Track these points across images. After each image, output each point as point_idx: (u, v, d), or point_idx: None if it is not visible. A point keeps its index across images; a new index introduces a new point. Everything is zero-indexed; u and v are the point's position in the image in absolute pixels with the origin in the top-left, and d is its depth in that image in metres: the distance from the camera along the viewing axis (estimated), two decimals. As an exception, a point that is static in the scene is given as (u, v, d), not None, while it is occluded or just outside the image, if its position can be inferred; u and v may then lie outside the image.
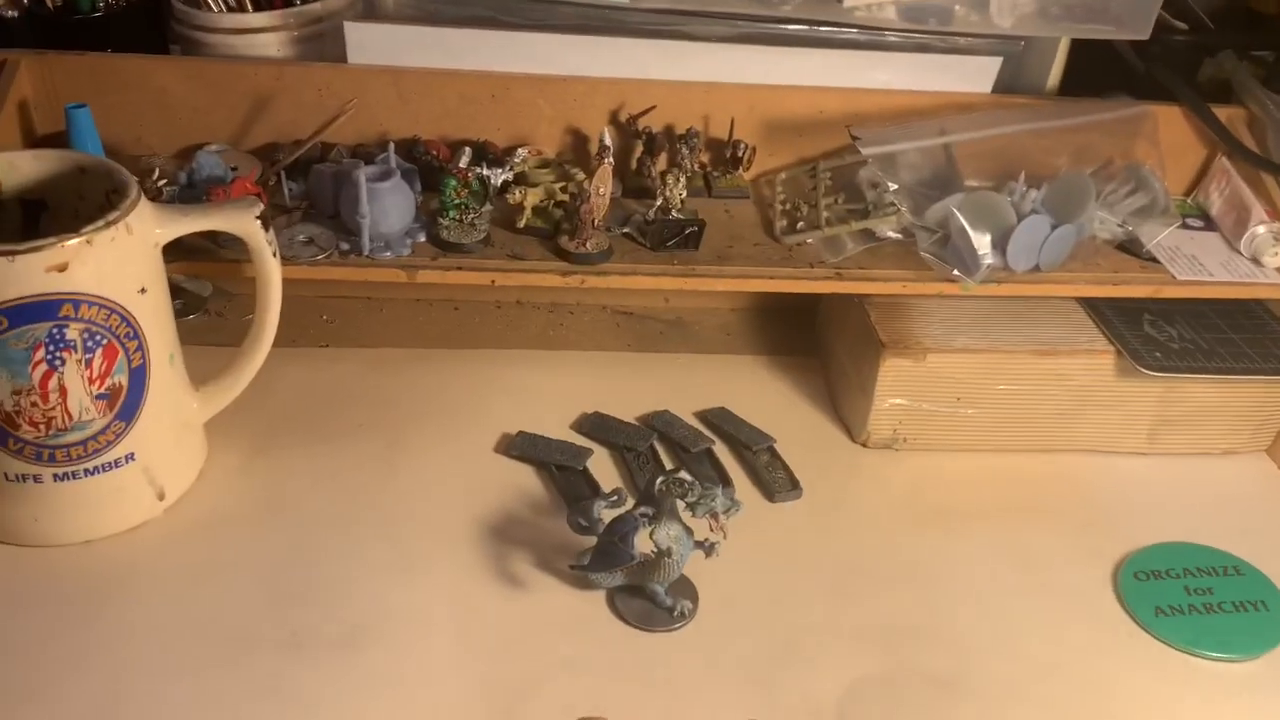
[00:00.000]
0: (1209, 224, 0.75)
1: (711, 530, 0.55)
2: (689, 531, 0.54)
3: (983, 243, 0.64)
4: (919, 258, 0.67)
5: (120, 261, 0.53)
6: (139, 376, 0.55)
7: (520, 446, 0.65)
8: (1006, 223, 0.65)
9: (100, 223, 0.51)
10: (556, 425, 0.68)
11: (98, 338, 0.53)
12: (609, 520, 0.55)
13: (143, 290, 0.54)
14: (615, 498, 0.57)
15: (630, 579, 0.55)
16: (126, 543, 0.58)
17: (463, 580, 0.57)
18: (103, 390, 0.54)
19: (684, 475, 0.55)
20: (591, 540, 0.56)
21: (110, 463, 0.56)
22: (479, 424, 0.67)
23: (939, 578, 0.59)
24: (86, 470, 0.55)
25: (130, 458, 0.57)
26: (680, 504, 0.55)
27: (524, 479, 0.64)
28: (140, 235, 0.54)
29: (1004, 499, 0.65)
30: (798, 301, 0.78)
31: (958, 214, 0.64)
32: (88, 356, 0.53)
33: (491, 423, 0.67)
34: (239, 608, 0.54)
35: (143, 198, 0.55)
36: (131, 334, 0.54)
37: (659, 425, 0.68)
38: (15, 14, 0.72)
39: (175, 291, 0.74)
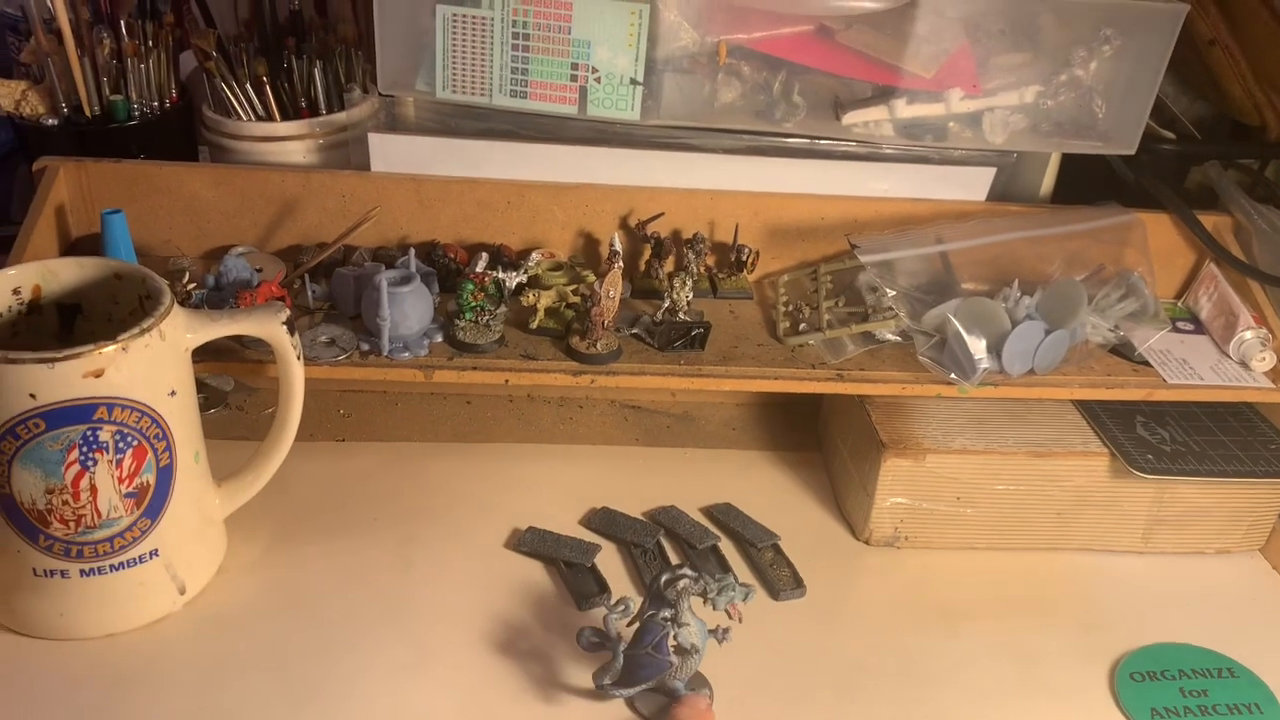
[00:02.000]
0: (1199, 327, 0.77)
1: (729, 618, 0.56)
2: (703, 624, 0.56)
3: (978, 347, 0.67)
4: (918, 360, 0.69)
5: (153, 366, 0.55)
6: (166, 475, 0.58)
7: (530, 543, 0.67)
8: (1001, 328, 0.68)
9: (136, 330, 0.54)
10: (566, 520, 0.69)
11: (129, 439, 0.55)
12: (623, 631, 0.56)
13: (173, 393, 0.57)
14: (622, 608, 0.56)
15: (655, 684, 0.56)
16: (148, 637, 0.59)
17: (475, 680, 0.58)
18: (131, 489, 0.56)
19: (687, 571, 0.56)
20: (605, 653, 0.56)
21: (135, 559, 0.58)
22: (490, 519, 0.69)
23: (940, 676, 0.61)
24: (112, 566, 0.57)
25: (154, 554, 0.59)
26: (695, 599, 0.57)
27: (534, 575, 0.65)
28: (172, 341, 0.56)
29: (1003, 597, 0.67)
30: (801, 398, 0.80)
31: (954, 320, 0.67)
32: (119, 457, 0.55)
33: (503, 517, 0.69)
34: (256, 702, 0.56)
35: (177, 306, 0.57)
36: (160, 435, 0.56)
37: (665, 521, 0.69)
38: (55, 122, 0.76)
39: (198, 386, 0.77)
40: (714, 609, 0.56)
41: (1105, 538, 0.70)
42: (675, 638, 0.54)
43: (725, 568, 0.66)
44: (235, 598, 0.62)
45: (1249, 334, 0.73)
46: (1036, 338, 0.68)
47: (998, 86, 0.71)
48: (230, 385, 0.78)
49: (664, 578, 0.56)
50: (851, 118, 0.70)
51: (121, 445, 0.55)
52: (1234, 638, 0.64)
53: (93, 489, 0.55)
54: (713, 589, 0.56)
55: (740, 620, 0.56)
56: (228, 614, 0.61)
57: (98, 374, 0.53)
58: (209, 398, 0.78)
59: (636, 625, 0.56)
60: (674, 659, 0.54)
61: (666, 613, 0.55)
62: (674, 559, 0.67)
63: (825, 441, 0.78)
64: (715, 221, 0.76)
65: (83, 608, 0.58)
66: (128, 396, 0.54)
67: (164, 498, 0.58)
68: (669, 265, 0.76)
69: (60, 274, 0.60)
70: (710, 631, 0.56)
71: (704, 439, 0.80)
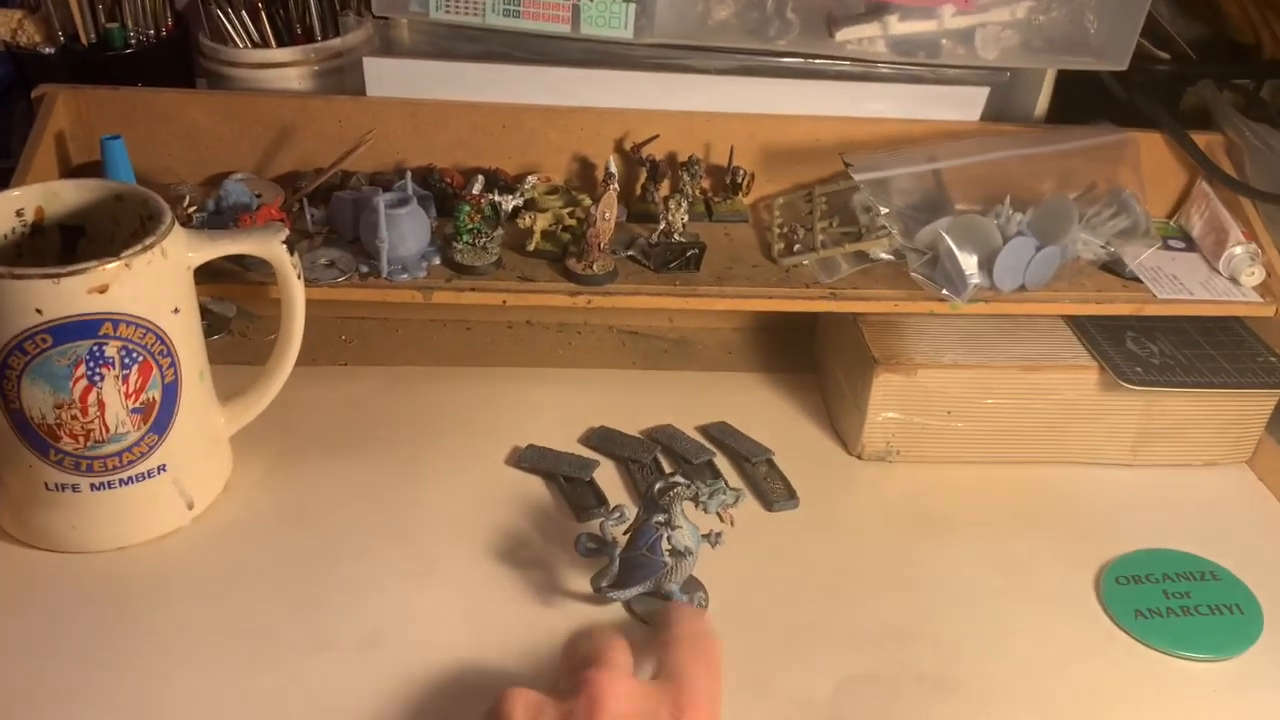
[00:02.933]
0: (1190, 245, 0.78)
1: (721, 520, 0.58)
2: (695, 529, 0.57)
3: (969, 263, 0.68)
4: (910, 278, 0.70)
5: (156, 283, 0.56)
6: (171, 392, 0.59)
7: (530, 459, 0.68)
8: (993, 245, 0.69)
9: (138, 247, 0.55)
10: (565, 439, 0.71)
11: (134, 355, 0.56)
12: (621, 536, 0.58)
13: (176, 310, 0.58)
14: (618, 514, 0.59)
15: (651, 585, 0.58)
16: (157, 549, 0.61)
17: (479, 584, 0.60)
18: (138, 405, 0.57)
19: (679, 479, 0.58)
20: (602, 559, 0.58)
21: (143, 473, 0.59)
22: (491, 438, 0.70)
23: (929, 582, 0.62)
24: (121, 480, 0.59)
25: (162, 469, 0.60)
26: (688, 504, 0.58)
27: (534, 489, 0.67)
28: (174, 259, 0.57)
29: (992, 508, 0.68)
30: (796, 321, 0.81)
31: (945, 236, 0.68)
32: (125, 372, 0.56)
33: (503, 437, 0.70)
34: (264, 611, 0.57)
35: (177, 225, 0.58)
36: (165, 351, 0.58)
37: (662, 438, 0.71)
38: (51, 50, 0.76)
39: (202, 313, 0.78)
40: (706, 513, 0.58)
41: (1094, 450, 0.72)
42: (669, 540, 0.56)
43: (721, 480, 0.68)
44: (242, 513, 0.64)
45: (1239, 249, 0.73)
46: (1027, 254, 0.69)
47: (990, 2, 0.71)
48: (233, 312, 0.79)
49: (658, 485, 0.57)
50: (845, 34, 0.70)
51: (127, 361, 0.56)
52: (1218, 544, 0.66)
53: (100, 404, 0.56)
54: (704, 493, 0.57)
55: (732, 524, 0.58)
56: (235, 528, 0.63)
57: (102, 289, 0.54)
58: (212, 324, 0.79)
59: (631, 531, 0.58)
60: (668, 560, 0.56)
61: (660, 517, 0.56)
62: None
63: (820, 362, 0.79)
64: (710, 144, 0.77)
65: (94, 521, 0.60)
66: (132, 312, 0.55)
67: (170, 414, 0.59)
68: (664, 189, 0.77)
69: (62, 195, 0.61)
70: (704, 536, 0.58)
71: (701, 363, 0.81)
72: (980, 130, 0.78)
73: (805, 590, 0.61)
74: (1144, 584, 0.62)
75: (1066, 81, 0.80)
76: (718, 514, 0.58)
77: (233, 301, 0.79)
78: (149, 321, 0.56)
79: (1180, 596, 0.61)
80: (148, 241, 0.55)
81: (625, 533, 0.58)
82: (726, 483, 0.59)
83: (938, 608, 0.61)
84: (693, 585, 0.59)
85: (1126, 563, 0.63)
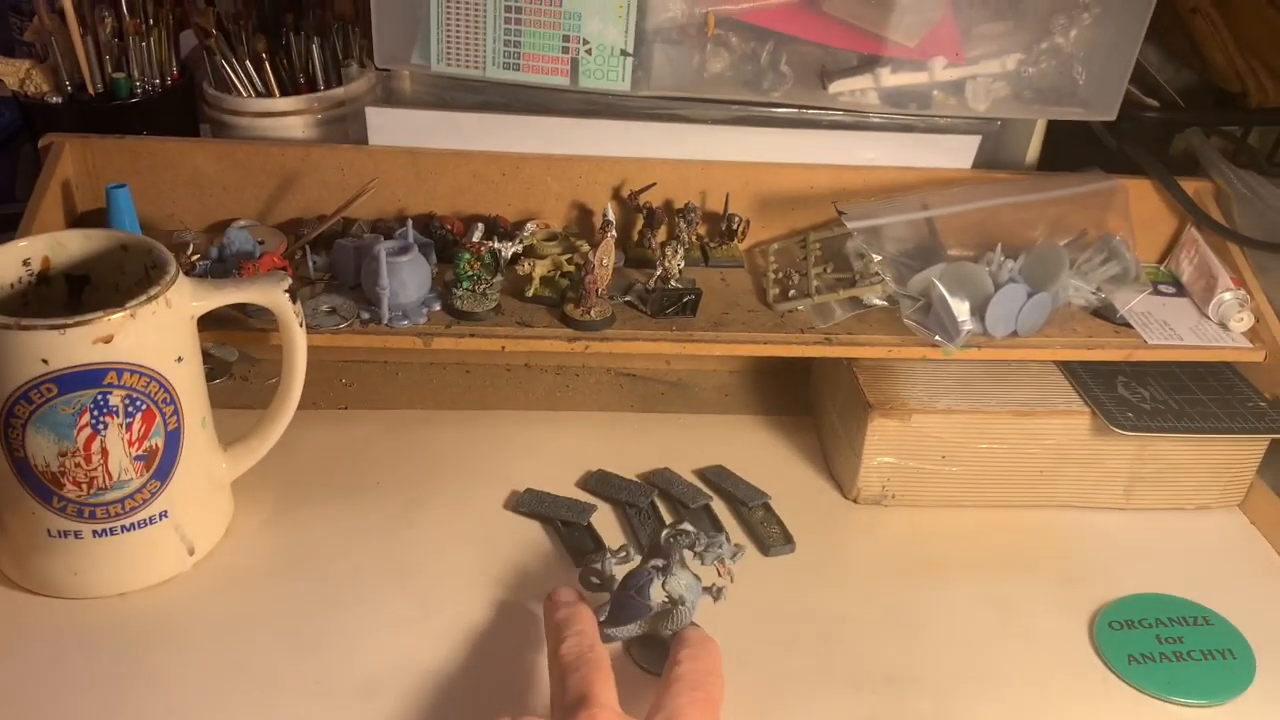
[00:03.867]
0: (1180, 290, 0.79)
1: (719, 575, 0.59)
2: (697, 579, 0.58)
3: (962, 310, 0.69)
4: (904, 324, 0.71)
5: (160, 332, 0.57)
6: (174, 439, 0.60)
7: (528, 503, 0.69)
8: (985, 291, 0.70)
9: (143, 297, 0.56)
10: (563, 483, 0.71)
11: (138, 403, 0.57)
12: (621, 576, 0.59)
13: (179, 359, 0.59)
14: (624, 554, 0.60)
15: (646, 629, 0.58)
16: (158, 596, 0.61)
17: (476, 629, 0.60)
18: (141, 452, 0.58)
19: (687, 527, 0.59)
20: (604, 596, 0.59)
21: (145, 520, 0.60)
22: (489, 482, 0.71)
23: (924, 626, 0.63)
24: (123, 527, 0.59)
25: (164, 515, 0.61)
26: (688, 554, 0.59)
27: (532, 534, 0.67)
28: (178, 308, 0.58)
29: (987, 552, 0.69)
30: (791, 364, 0.82)
31: (938, 284, 0.69)
32: (128, 420, 0.57)
33: (501, 481, 0.71)
34: (264, 657, 0.58)
35: (182, 275, 0.59)
36: (168, 399, 0.58)
37: (659, 482, 0.71)
38: (59, 99, 0.78)
39: (203, 358, 0.79)
40: (702, 564, 0.59)
41: (1087, 494, 0.72)
42: (664, 586, 0.57)
43: (718, 526, 0.69)
44: (243, 558, 0.64)
45: (1228, 295, 0.74)
46: (1019, 300, 0.70)
47: (980, 55, 0.72)
48: (234, 356, 0.80)
49: (665, 531, 0.58)
50: (838, 86, 0.71)
51: (131, 409, 0.57)
52: (1210, 589, 0.66)
53: (104, 451, 0.57)
54: (700, 544, 0.58)
55: (731, 580, 0.58)
56: (236, 573, 0.63)
57: (107, 340, 0.54)
58: (214, 368, 0.79)
59: (629, 572, 0.58)
60: (654, 604, 0.57)
61: (657, 562, 0.57)
62: (667, 518, 0.69)
63: (815, 406, 0.80)
64: (706, 191, 0.78)
65: (95, 567, 0.60)
66: (136, 362, 0.56)
67: (172, 461, 0.60)
68: (661, 235, 0.78)
69: (68, 245, 0.62)
70: (706, 589, 0.58)
71: (697, 405, 0.82)
72: (972, 178, 0.79)
73: (802, 635, 0.62)
74: (1137, 629, 0.62)
75: (1057, 130, 0.82)
76: (715, 567, 0.58)
77: (234, 346, 0.79)
78: (153, 370, 0.57)
79: (1173, 641, 0.61)
80: (152, 292, 0.56)
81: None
82: (728, 537, 0.60)
83: (935, 652, 0.61)
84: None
85: (1120, 607, 0.64)
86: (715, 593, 0.59)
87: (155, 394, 0.57)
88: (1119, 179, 0.78)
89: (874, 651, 0.61)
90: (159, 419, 0.58)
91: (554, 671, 0.53)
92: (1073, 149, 0.84)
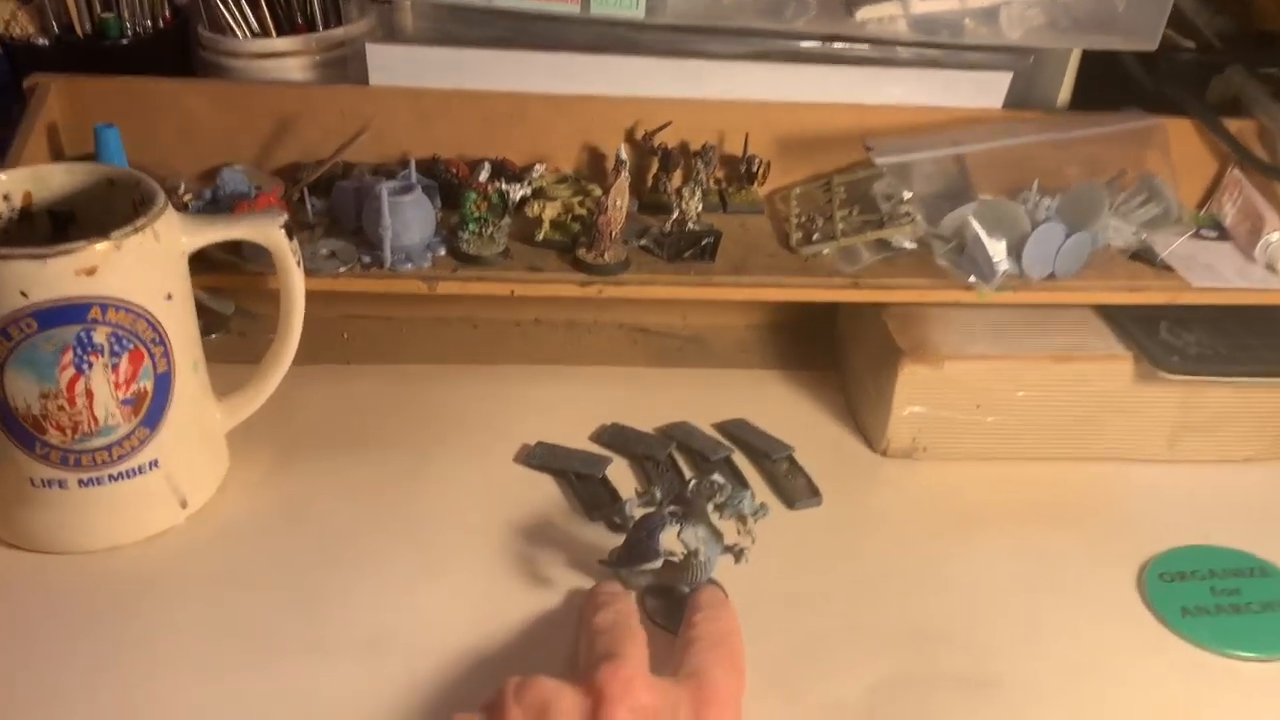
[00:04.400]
0: (1222, 234, 0.75)
1: (739, 534, 0.55)
2: (718, 535, 0.54)
3: (998, 249, 0.65)
4: (935, 267, 0.67)
5: (147, 267, 0.54)
6: (164, 383, 0.56)
7: (540, 456, 0.65)
8: (1021, 230, 0.66)
9: (129, 228, 0.52)
10: (575, 437, 0.68)
11: (124, 342, 0.53)
12: (640, 516, 0.55)
13: (169, 297, 0.55)
14: (647, 496, 0.57)
15: (661, 579, 0.55)
16: (150, 549, 0.58)
17: (487, 584, 0.57)
18: (128, 395, 0.55)
19: (716, 478, 0.55)
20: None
21: (134, 469, 0.56)
22: (499, 436, 0.67)
23: (961, 581, 0.59)
24: (111, 476, 0.56)
25: (154, 464, 0.57)
26: (710, 506, 0.55)
27: (544, 488, 0.64)
28: (167, 242, 0.55)
29: (1024, 505, 0.65)
30: (814, 315, 0.78)
31: (973, 221, 0.65)
32: (114, 361, 0.53)
33: (511, 435, 0.67)
34: (263, 614, 0.54)
35: (170, 206, 0.56)
36: (158, 339, 0.55)
37: (678, 435, 0.68)
38: (46, 41, 0.74)
39: (198, 311, 0.76)
40: (720, 517, 0.55)
41: (1129, 445, 0.68)
42: (679, 535, 0.53)
43: (740, 480, 0.65)
44: (239, 512, 0.61)
45: (1276, 236, 0.71)
46: (1057, 240, 0.66)
47: (1015, -20, 0.68)
48: (231, 309, 0.76)
49: (692, 481, 0.55)
50: (865, 13, 0.67)
51: (117, 348, 0.53)
52: (1264, 541, 0.62)
53: (88, 394, 0.53)
54: (721, 496, 0.54)
55: (752, 541, 0.55)
56: (232, 528, 0.60)
57: (90, 271, 0.51)
58: (209, 322, 0.76)
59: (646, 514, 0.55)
60: (662, 550, 0.53)
61: (675, 509, 0.54)
62: (687, 473, 0.66)
63: (840, 357, 0.76)
64: (724, 132, 0.74)
65: (83, 519, 0.57)
66: (122, 297, 0.53)
67: (163, 406, 0.56)
68: (676, 180, 0.74)
69: (51, 180, 0.58)
70: (728, 548, 0.55)
71: (715, 360, 0.78)
72: (1003, 117, 0.75)
73: (832, 590, 0.58)
74: (1189, 581, 0.59)
75: (1089, 69, 0.78)
76: (736, 525, 0.55)
77: (230, 299, 0.76)
78: (140, 307, 0.53)
79: (1229, 594, 0.58)
80: (139, 222, 0.53)
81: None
82: (753, 494, 0.56)
83: (971, 607, 0.57)
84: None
85: (1169, 559, 0.60)
86: (737, 553, 0.55)
87: (143, 333, 0.54)
88: (1158, 118, 0.74)
89: (906, 608, 0.57)
90: (148, 360, 0.55)
91: (583, 639, 0.50)
92: (1105, 91, 0.80)
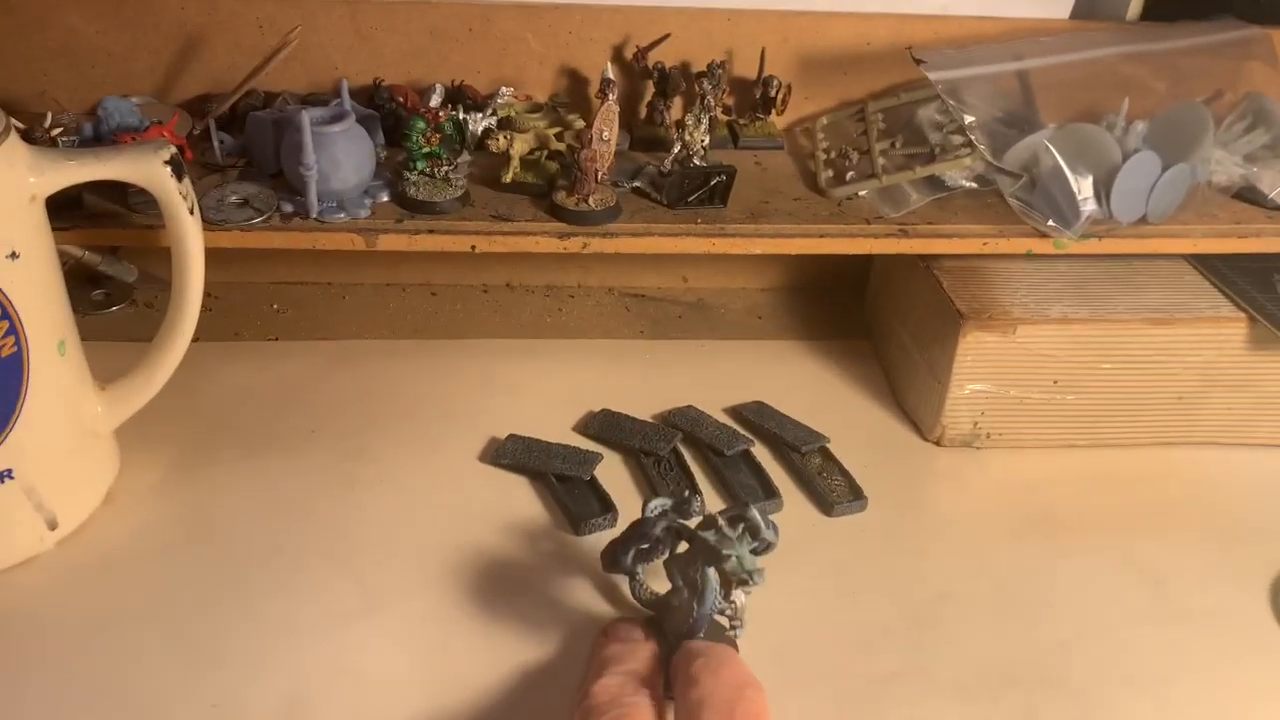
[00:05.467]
0: (1339, 168, 0.62)
1: (722, 601, 0.42)
2: (720, 587, 0.41)
3: (1083, 185, 0.52)
4: (997, 210, 0.55)
5: (-22, 216, 0.40)
6: (12, 370, 0.43)
7: (511, 453, 0.52)
8: (1110, 162, 0.53)
9: (-56, 162, 0.39)
10: (556, 427, 0.55)
11: (-52, 317, 0.40)
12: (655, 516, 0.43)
13: (13, 255, 0.42)
14: (669, 502, 0.44)
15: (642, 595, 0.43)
16: (7, 585, 0.45)
17: (439, 628, 0.44)
18: (-40, 387, 0.41)
19: (754, 514, 0.42)
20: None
21: (-21, 482, 0.43)
22: (461, 428, 0.54)
23: (1049, 606, 0.47)
24: (-53, 493, 0.43)
25: (7, 475, 0.44)
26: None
27: (517, 494, 0.51)
28: (7, 182, 0.41)
29: (1118, 505, 0.53)
30: (842, 276, 0.66)
31: (1052, 149, 0.52)
32: (-66, 342, 0.40)
33: (477, 426, 0.55)
34: (147, 669, 0.42)
35: (14, 136, 0.42)
36: (-1, 313, 0.41)
37: (683, 424, 0.55)
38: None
39: (95, 280, 0.63)
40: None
41: (1241, 427, 0.56)
42: (665, 563, 0.41)
43: (762, 480, 0.52)
44: (126, 532, 0.48)
45: None
46: (1152, 174, 0.54)
47: None
48: (133, 275, 0.63)
49: (732, 512, 0.42)
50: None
51: (-62, 326, 0.40)
52: None
53: (-97, 386, 0.40)
54: (727, 547, 0.41)
55: (741, 624, 0.42)
56: (115, 554, 0.47)
57: (-113, 221, 0.37)
58: (110, 294, 0.63)
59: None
60: (641, 574, 0.43)
61: (681, 523, 0.41)
62: (696, 470, 0.52)
63: (876, 325, 0.63)
64: (735, 49, 0.61)
65: (-86, 548, 0.43)
66: (-59, 256, 0.39)
67: (13, 400, 0.43)
68: (677, 108, 0.61)
69: None
70: (721, 612, 0.42)
71: (724, 330, 0.65)
72: (1070, 28, 0.62)
73: (887, 623, 0.45)
74: (1340, 603, 0.46)
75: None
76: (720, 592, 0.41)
77: (132, 264, 0.62)
78: (-32, 269, 0.40)
79: (1393, 618, 0.45)
80: (-40, 155, 0.39)
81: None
82: (761, 534, 0.42)
83: (1066, 642, 0.45)
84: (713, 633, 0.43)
85: (1310, 574, 0.48)
86: (730, 624, 0.42)
87: (-25, 304, 0.40)
88: (1260, 27, 0.61)
89: (986, 644, 0.45)
90: (-15, 341, 0.41)
91: (578, 709, 0.37)
92: (1181, 7, 0.67)
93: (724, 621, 0.42)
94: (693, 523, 0.42)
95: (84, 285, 0.63)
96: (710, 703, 0.37)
